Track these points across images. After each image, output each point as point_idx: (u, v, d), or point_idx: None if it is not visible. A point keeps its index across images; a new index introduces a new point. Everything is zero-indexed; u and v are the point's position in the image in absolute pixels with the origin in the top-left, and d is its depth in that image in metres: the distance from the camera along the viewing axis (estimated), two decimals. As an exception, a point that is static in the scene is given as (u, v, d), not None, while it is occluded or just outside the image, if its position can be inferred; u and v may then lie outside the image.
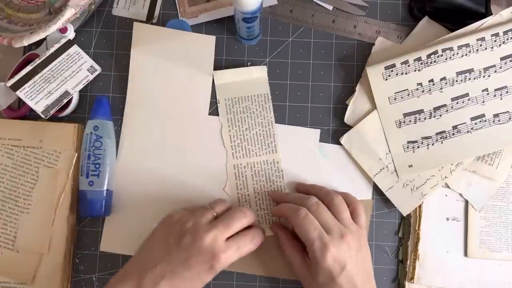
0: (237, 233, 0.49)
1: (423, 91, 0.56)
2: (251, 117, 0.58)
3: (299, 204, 0.50)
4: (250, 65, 0.60)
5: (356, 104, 0.58)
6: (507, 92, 0.55)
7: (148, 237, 0.50)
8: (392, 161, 0.57)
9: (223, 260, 0.46)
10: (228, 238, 0.48)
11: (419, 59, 0.56)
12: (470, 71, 0.56)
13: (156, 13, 0.61)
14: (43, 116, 0.56)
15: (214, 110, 0.59)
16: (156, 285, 0.45)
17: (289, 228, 0.54)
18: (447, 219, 0.57)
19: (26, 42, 0.52)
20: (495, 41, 0.55)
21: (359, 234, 0.49)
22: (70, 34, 0.57)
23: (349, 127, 0.58)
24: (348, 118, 0.58)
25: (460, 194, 0.57)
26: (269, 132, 0.58)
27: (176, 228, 0.48)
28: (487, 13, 0.56)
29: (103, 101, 0.57)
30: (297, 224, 0.48)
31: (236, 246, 0.48)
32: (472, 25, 0.56)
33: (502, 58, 0.55)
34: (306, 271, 0.49)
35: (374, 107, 0.57)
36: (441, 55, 0.56)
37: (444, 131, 0.56)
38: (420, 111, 0.56)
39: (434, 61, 0.56)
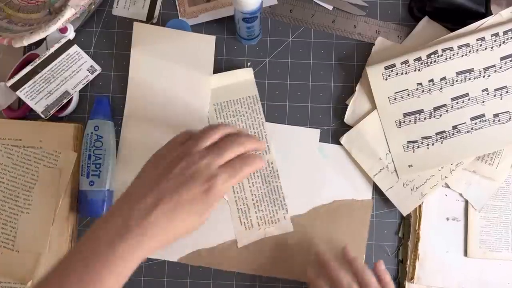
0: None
1: (423, 91, 0.56)
2: (241, 120, 0.58)
3: (334, 277, 0.49)
4: (250, 65, 0.60)
5: (356, 104, 0.58)
6: (507, 92, 0.55)
7: (137, 175, 0.46)
8: (392, 161, 0.57)
9: (219, 183, 0.43)
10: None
11: (419, 59, 0.56)
12: (470, 71, 0.56)
13: (156, 13, 0.61)
14: (43, 116, 0.56)
15: (214, 110, 0.59)
16: (148, 216, 0.41)
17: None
18: (447, 219, 0.57)
19: (26, 42, 0.52)
20: (495, 41, 0.55)
21: None
22: (70, 34, 0.58)
23: (349, 127, 0.58)
24: (348, 118, 0.58)
25: (460, 194, 0.57)
26: (260, 133, 0.58)
27: (166, 159, 0.45)
28: (487, 13, 0.56)
29: (103, 101, 0.57)
30: None
31: (231, 169, 0.44)
32: (472, 25, 0.56)
33: (502, 58, 0.55)
34: None
35: (374, 107, 0.57)
36: (441, 55, 0.56)
37: (444, 131, 0.56)
38: (420, 111, 0.56)
39: (434, 61, 0.56)
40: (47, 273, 0.40)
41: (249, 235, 0.57)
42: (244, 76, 0.59)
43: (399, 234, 0.58)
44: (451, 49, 0.55)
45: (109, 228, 0.41)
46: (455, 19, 0.58)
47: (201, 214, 0.43)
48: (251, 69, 0.59)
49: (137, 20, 0.60)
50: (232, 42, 0.60)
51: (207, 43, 0.58)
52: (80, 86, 0.58)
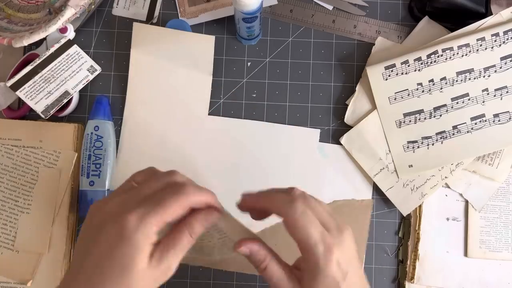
0: None
1: (423, 91, 0.56)
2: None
3: (282, 198, 0.38)
4: (250, 65, 0.60)
5: (356, 104, 0.58)
6: (507, 92, 0.55)
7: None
8: (392, 161, 0.57)
9: (131, 219, 0.32)
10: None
11: (419, 59, 0.56)
12: (470, 71, 0.56)
13: (156, 13, 0.61)
14: (43, 116, 0.56)
15: (214, 110, 0.59)
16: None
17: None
18: (447, 219, 0.57)
19: (26, 42, 0.52)
20: (495, 41, 0.55)
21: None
22: (70, 34, 0.57)
23: (349, 127, 0.58)
24: (348, 118, 0.58)
25: (460, 194, 0.57)
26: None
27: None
28: (487, 13, 0.56)
29: (103, 101, 0.57)
30: (294, 221, 0.37)
31: (149, 201, 0.34)
32: (472, 25, 0.56)
33: (502, 58, 0.55)
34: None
35: (374, 107, 0.57)
36: (441, 55, 0.56)
37: (444, 131, 0.56)
38: (420, 111, 0.56)
39: (434, 61, 0.56)
40: None
41: None
42: None
43: (399, 234, 0.58)
44: (451, 49, 0.55)
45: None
46: (455, 19, 0.58)
47: (134, 267, 0.32)
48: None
49: (137, 20, 0.60)
50: (232, 42, 0.60)
51: (207, 43, 0.58)
52: (80, 86, 0.58)
